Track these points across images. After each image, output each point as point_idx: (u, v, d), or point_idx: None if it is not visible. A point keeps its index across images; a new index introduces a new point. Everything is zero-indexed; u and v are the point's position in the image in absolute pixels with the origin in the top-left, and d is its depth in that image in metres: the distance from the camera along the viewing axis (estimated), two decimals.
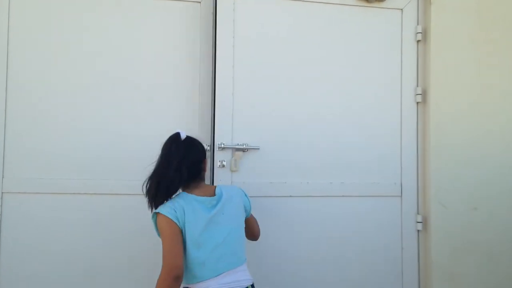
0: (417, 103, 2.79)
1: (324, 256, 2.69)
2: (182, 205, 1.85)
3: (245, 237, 2.04)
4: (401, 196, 2.76)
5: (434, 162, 2.71)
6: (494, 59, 2.75)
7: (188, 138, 2.03)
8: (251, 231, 2.20)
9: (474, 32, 2.75)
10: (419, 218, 2.76)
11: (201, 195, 1.93)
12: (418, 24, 2.81)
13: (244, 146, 2.55)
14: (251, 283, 1.91)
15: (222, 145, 2.52)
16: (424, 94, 2.77)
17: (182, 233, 1.82)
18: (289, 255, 2.64)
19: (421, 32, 2.79)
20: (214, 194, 1.97)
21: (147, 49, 2.59)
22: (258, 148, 2.58)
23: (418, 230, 2.78)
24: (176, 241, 1.79)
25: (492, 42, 2.76)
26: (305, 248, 2.66)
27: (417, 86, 2.79)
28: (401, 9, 2.79)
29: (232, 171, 2.56)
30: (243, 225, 2.03)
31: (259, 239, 2.31)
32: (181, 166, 1.89)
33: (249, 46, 2.63)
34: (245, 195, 2.13)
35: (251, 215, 2.20)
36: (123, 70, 2.56)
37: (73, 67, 2.50)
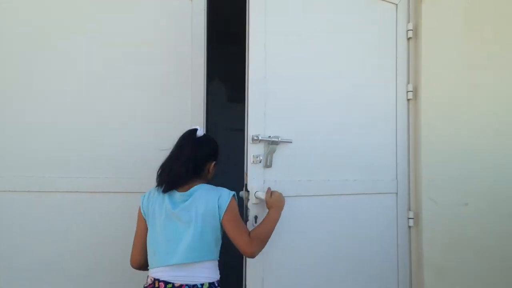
0: (408, 100, 2.82)
1: (331, 257, 2.52)
2: (155, 196, 1.98)
3: (213, 238, 1.93)
4: (397, 192, 2.75)
5: (425, 159, 2.76)
6: (484, 56, 2.87)
7: (203, 136, 2.08)
8: (232, 241, 1.93)
9: (464, 29, 2.84)
10: (411, 214, 2.79)
11: (179, 191, 1.96)
12: (409, 22, 2.84)
13: (279, 139, 2.23)
14: (210, 282, 1.90)
15: (258, 138, 2.17)
16: (415, 91, 2.81)
17: (146, 223, 1.98)
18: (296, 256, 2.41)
19: (412, 30, 2.82)
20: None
21: (137, 46, 2.49)
22: (291, 142, 2.29)
23: (410, 226, 2.80)
24: (139, 235, 2.01)
25: (483, 40, 2.87)
26: (315, 248, 2.46)
27: (408, 83, 2.82)
28: (396, 4, 2.79)
29: (266, 167, 2.22)
30: (213, 226, 1.92)
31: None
32: (186, 162, 1.97)
33: (280, 25, 2.37)
34: (228, 196, 1.95)
35: (235, 222, 1.94)
36: (112, 67, 2.44)
37: (60, 64, 2.38)
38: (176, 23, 2.55)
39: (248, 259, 2.16)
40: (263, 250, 1.99)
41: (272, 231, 2.01)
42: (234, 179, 2.86)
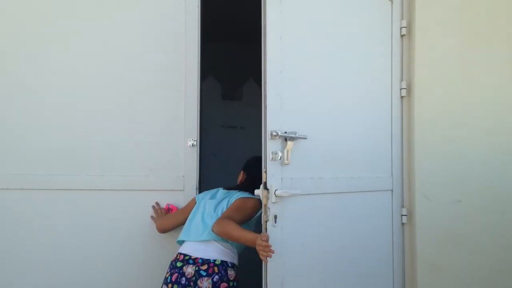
0: (402, 97, 2.82)
1: (331, 254, 2.45)
2: (209, 191, 2.47)
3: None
4: (392, 189, 2.74)
5: (418, 156, 2.77)
6: (479, 54, 2.87)
7: None
8: None
9: (458, 26, 2.85)
10: (404, 211, 2.80)
11: (224, 189, 2.47)
12: (403, 19, 2.83)
13: (296, 135, 2.14)
14: (223, 260, 2.20)
15: (277, 133, 2.07)
16: (408, 88, 2.81)
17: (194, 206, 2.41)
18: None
19: (405, 27, 2.82)
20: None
21: (130, 44, 2.53)
22: (306, 138, 2.21)
23: (403, 223, 2.80)
24: (184, 209, 2.45)
25: (477, 37, 2.87)
26: (318, 246, 2.37)
27: (402, 80, 2.82)
28: (391, 1, 2.78)
29: (284, 164, 2.12)
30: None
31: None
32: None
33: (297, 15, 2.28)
34: (244, 195, 2.32)
35: (230, 208, 2.28)
36: (106, 65, 2.49)
37: (56, 63, 2.43)
38: (169, 20, 2.54)
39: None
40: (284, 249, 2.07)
41: (233, 238, 2.14)
42: (231, 173, 2.76)
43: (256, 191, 2.10)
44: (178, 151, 2.54)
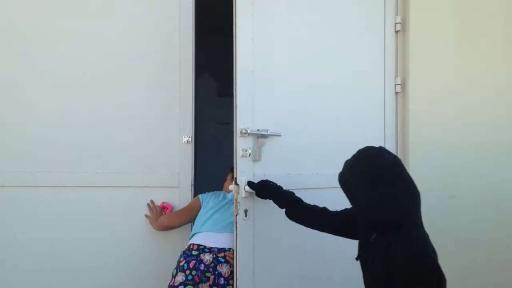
0: (396, 93, 2.82)
1: (317, 249, 2.50)
2: (214, 193, 2.60)
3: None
4: None
5: (413, 152, 2.77)
6: (473, 49, 2.85)
7: None
8: None
9: (453, 22, 2.84)
10: None
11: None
12: (397, 15, 2.83)
13: (268, 133, 2.21)
14: (229, 247, 2.31)
15: (246, 131, 2.15)
16: (403, 84, 2.81)
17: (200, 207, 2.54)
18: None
19: (400, 23, 2.81)
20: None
21: (126, 41, 2.57)
22: (280, 135, 2.27)
23: None
24: (189, 209, 2.55)
25: (472, 33, 2.86)
26: (302, 242, 2.43)
27: (397, 76, 2.82)
28: None
29: (255, 160, 2.20)
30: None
31: None
32: None
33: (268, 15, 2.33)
34: None
35: None
36: (99, 62, 2.53)
37: (50, 61, 2.48)
38: (164, 16, 2.57)
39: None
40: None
41: None
42: (227, 171, 2.83)
43: (230, 187, 2.20)
44: (173, 148, 2.62)
